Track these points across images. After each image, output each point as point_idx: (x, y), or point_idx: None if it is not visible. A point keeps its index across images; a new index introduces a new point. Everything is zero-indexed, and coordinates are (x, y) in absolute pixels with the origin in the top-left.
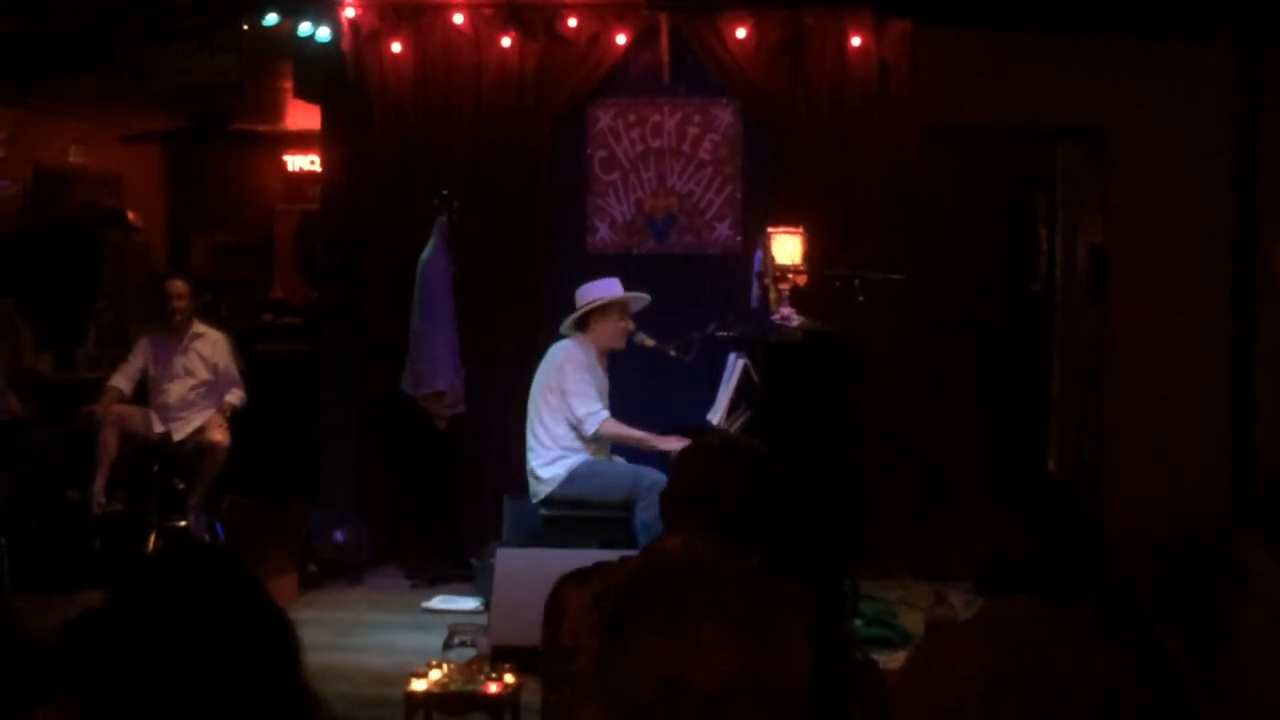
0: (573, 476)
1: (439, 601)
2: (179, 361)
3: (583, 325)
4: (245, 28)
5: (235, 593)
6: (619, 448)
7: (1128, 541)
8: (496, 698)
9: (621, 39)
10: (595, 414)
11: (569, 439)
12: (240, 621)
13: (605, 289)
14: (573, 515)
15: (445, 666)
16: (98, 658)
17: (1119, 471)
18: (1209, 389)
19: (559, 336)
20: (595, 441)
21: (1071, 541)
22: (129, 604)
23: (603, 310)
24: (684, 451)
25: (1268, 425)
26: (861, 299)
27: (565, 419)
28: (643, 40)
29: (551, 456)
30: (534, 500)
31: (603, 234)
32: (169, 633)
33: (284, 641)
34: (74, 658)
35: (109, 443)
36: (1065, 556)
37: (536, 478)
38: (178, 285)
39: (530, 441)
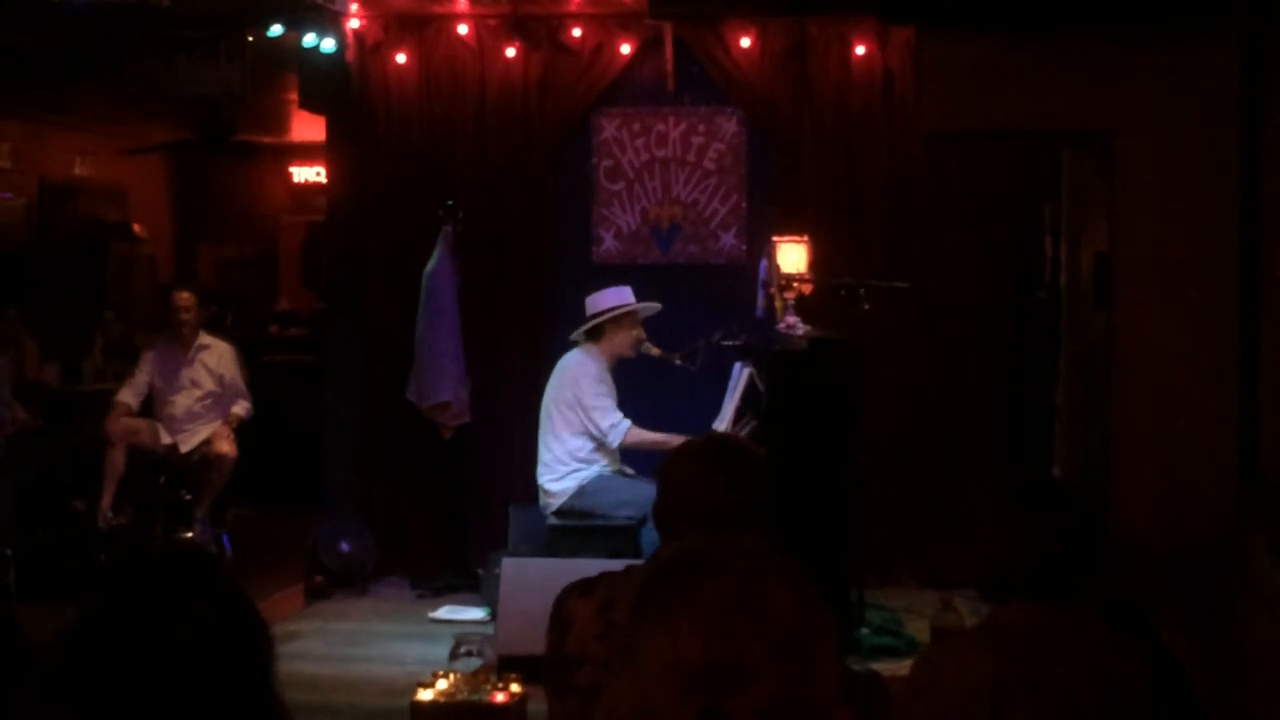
0: (584, 490)
1: (445, 611)
2: (185, 373)
3: (596, 334)
4: (250, 39)
5: (210, 595)
6: (627, 454)
7: (1134, 546)
8: (503, 707)
9: (626, 49)
10: (618, 425)
11: (583, 452)
12: (215, 624)
13: (619, 297)
14: (579, 525)
15: (452, 676)
16: (75, 663)
17: (1125, 477)
18: (1216, 394)
19: (565, 346)
20: (610, 452)
21: (1073, 543)
22: (103, 607)
23: (618, 319)
24: (666, 461)
25: (1274, 431)
26: (866, 307)
27: (580, 432)
28: (647, 50)
29: (563, 472)
30: (545, 512)
31: (608, 244)
32: (141, 635)
33: (258, 646)
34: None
35: (117, 460)
36: (1066, 558)
37: (546, 492)
38: (185, 297)
39: (542, 455)
